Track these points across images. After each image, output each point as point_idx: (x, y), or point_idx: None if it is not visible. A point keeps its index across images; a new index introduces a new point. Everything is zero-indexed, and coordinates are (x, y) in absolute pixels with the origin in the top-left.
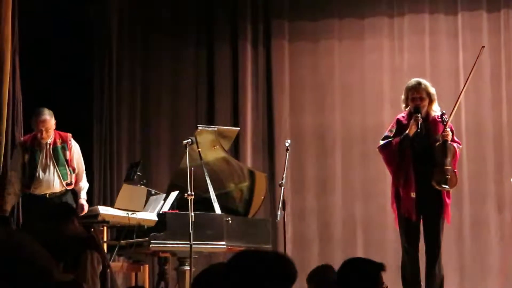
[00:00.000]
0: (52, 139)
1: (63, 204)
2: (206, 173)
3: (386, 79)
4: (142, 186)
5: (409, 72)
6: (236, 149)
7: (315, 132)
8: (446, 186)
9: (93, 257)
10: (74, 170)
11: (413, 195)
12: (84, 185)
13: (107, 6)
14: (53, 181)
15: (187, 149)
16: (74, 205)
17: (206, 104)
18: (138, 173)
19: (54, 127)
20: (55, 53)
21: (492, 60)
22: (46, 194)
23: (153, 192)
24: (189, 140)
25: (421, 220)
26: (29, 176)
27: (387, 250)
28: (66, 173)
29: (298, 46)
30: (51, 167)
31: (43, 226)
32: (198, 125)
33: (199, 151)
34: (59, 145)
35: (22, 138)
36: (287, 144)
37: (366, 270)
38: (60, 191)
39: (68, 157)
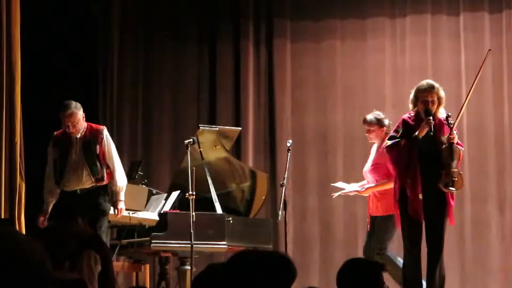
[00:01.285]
0: (83, 132)
1: (66, 204)
2: (207, 173)
3: (388, 80)
4: (143, 185)
5: (411, 72)
6: (237, 149)
7: (316, 132)
8: (453, 189)
9: (90, 257)
10: (107, 165)
11: (420, 196)
12: (118, 184)
13: (109, 4)
14: (82, 177)
15: (189, 148)
16: (105, 201)
17: (207, 103)
18: (139, 172)
19: (82, 120)
20: (57, 51)
21: (494, 61)
22: (76, 190)
23: (154, 192)
24: (191, 139)
25: (424, 221)
26: (59, 172)
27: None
28: (96, 168)
29: (300, 46)
30: (81, 162)
31: (51, 224)
32: (199, 125)
33: (200, 151)
34: (89, 139)
35: (55, 133)
36: (288, 144)
37: (367, 270)
38: (91, 187)
39: (98, 151)
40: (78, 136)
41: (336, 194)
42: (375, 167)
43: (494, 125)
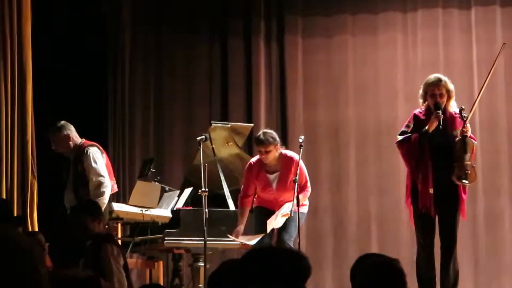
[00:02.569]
0: (73, 150)
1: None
2: (219, 170)
3: (399, 74)
4: (156, 182)
5: (423, 66)
6: (249, 146)
7: (329, 127)
8: (466, 182)
9: (112, 249)
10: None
11: (431, 190)
12: (91, 197)
13: (120, 3)
14: (69, 195)
15: (201, 145)
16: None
17: (219, 100)
18: (151, 169)
19: (68, 140)
20: (68, 50)
21: (506, 55)
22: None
23: (167, 189)
24: (203, 136)
25: (437, 216)
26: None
27: (402, 245)
28: (78, 188)
29: (312, 41)
30: (71, 182)
31: (74, 219)
32: (211, 122)
33: (212, 148)
34: (77, 158)
35: None
36: (300, 140)
37: (381, 266)
38: None
39: (80, 169)
40: (71, 157)
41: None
42: (291, 183)
43: (507, 119)
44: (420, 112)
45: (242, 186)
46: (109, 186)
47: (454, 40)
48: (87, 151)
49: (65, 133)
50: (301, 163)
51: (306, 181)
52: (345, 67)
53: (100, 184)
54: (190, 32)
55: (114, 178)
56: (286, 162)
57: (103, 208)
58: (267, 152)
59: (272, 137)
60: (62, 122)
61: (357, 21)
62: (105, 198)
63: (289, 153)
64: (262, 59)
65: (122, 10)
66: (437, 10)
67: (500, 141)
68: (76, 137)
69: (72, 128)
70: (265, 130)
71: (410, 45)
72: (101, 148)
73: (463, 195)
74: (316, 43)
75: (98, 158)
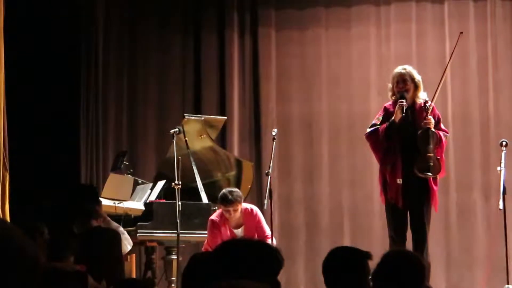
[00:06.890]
0: None
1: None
2: (193, 162)
3: (373, 67)
4: (129, 175)
5: (396, 60)
6: (223, 138)
7: (302, 121)
8: (429, 174)
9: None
10: None
11: (399, 181)
12: None
13: None
14: None
15: (174, 138)
16: None
17: (193, 93)
18: (124, 162)
19: None
20: (41, 43)
21: (478, 48)
22: None
23: (140, 182)
24: (176, 129)
25: (407, 208)
26: None
27: (374, 238)
28: None
29: (285, 34)
30: None
31: None
32: (185, 114)
33: (186, 140)
34: None
35: None
36: (273, 133)
37: (353, 259)
38: None
39: None
40: None
41: None
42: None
43: (479, 113)
44: (390, 105)
45: (207, 243)
46: None
47: (427, 33)
48: None
49: None
50: (259, 213)
51: (266, 232)
52: (318, 60)
53: None
54: (163, 25)
55: None
56: (248, 216)
57: None
58: (236, 211)
59: (239, 196)
60: None
61: (330, 15)
62: None
63: (248, 206)
64: (235, 52)
65: (95, 3)
66: (410, 4)
67: (472, 134)
68: None
69: None
70: (230, 189)
71: (383, 39)
72: None
73: (434, 187)
74: (289, 36)
75: None
